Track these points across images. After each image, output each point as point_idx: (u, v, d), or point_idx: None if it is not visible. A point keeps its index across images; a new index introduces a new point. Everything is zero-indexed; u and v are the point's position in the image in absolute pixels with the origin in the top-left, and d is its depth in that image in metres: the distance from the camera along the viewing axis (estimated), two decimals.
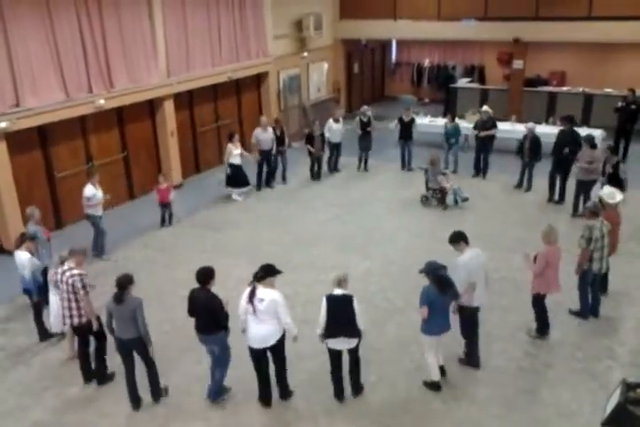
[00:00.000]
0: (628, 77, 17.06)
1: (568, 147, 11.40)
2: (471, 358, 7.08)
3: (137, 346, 6.30)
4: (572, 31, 15.94)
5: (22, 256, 7.55)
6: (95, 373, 6.92)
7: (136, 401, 6.53)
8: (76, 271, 6.61)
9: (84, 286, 6.58)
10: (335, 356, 6.39)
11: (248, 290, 6.11)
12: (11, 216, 10.10)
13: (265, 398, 6.50)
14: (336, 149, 14.06)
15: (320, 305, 6.17)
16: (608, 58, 18.36)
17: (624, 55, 18.07)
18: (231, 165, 12.26)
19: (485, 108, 13.53)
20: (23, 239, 7.71)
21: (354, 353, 6.42)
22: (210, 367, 6.50)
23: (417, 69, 22.14)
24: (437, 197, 11.96)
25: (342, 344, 6.30)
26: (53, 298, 7.17)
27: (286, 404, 6.55)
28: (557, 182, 11.83)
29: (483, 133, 13.11)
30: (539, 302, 7.50)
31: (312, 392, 6.70)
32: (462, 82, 19.77)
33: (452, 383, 6.80)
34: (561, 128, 11.99)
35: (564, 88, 18.21)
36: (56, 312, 7.14)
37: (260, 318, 6.04)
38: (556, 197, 11.89)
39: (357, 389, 6.63)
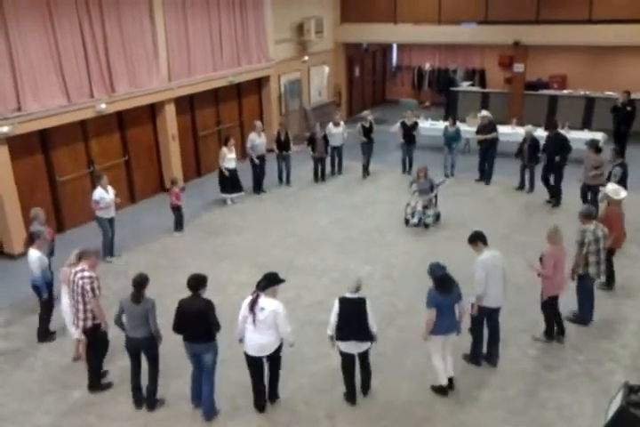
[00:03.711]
0: (628, 80, 17.06)
1: (555, 150, 11.62)
2: (474, 356, 7.15)
3: (146, 346, 6.35)
4: (573, 34, 15.95)
5: (32, 254, 7.68)
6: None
7: (139, 401, 6.57)
8: (86, 273, 6.59)
9: (92, 289, 6.56)
10: (347, 359, 6.40)
11: (249, 299, 6.10)
12: (12, 220, 10.12)
13: (260, 405, 6.48)
14: (337, 152, 14.10)
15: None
16: (609, 61, 18.38)
17: (625, 58, 18.09)
18: (226, 170, 12.23)
19: (484, 112, 13.51)
20: (33, 238, 7.81)
21: (363, 357, 6.46)
22: (193, 384, 6.44)
23: (418, 73, 22.18)
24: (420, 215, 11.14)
25: (353, 348, 6.31)
26: (66, 299, 7.12)
27: (286, 407, 6.54)
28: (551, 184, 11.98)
29: (480, 137, 13.11)
30: (551, 306, 7.45)
31: (313, 395, 6.70)
32: (463, 85, 19.79)
33: (454, 386, 6.78)
34: (547, 134, 12.13)
35: (565, 91, 18.23)
36: (67, 312, 7.12)
37: (258, 327, 6.04)
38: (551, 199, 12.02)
39: (366, 389, 6.68)
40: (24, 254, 10.15)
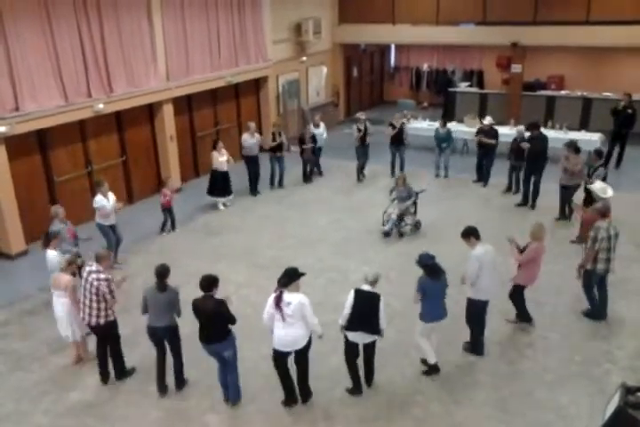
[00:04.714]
0: (626, 81, 17.11)
1: (539, 151, 11.59)
2: (475, 347, 7.27)
3: (168, 334, 6.53)
4: (571, 35, 15.99)
5: (49, 254, 7.73)
6: (116, 370, 7.05)
7: (163, 388, 6.75)
8: (102, 276, 6.69)
9: (111, 291, 6.70)
10: (351, 348, 6.53)
11: (274, 296, 6.14)
12: (10, 220, 10.10)
13: (291, 400, 6.53)
14: (319, 152, 14.24)
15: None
16: (606, 62, 18.43)
17: (622, 59, 18.15)
18: (216, 173, 12.24)
19: (489, 119, 13.40)
20: (49, 238, 7.85)
21: (369, 348, 6.57)
22: (220, 377, 6.52)
23: (416, 74, 22.21)
24: (398, 223, 10.86)
25: (360, 338, 6.44)
26: (59, 304, 7.11)
27: (285, 408, 6.54)
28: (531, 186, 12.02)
29: (483, 140, 13.08)
30: (519, 293, 7.69)
31: (312, 396, 6.68)
32: (461, 86, 19.82)
33: (451, 386, 6.81)
34: (530, 135, 11.94)
35: (563, 92, 18.26)
36: (62, 317, 7.13)
37: (288, 322, 6.09)
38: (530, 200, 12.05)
39: (370, 379, 6.79)
40: (22, 254, 10.24)
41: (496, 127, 13.27)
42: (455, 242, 10.12)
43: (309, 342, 6.30)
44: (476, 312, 7.16)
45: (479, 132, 13.30)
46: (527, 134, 12.06)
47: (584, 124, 16.64)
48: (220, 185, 12.35)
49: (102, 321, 6.76)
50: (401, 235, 10.87)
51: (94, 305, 6.69)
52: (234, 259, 10.10)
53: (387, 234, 10.81)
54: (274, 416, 6.45)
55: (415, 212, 11.12)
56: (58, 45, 10.30)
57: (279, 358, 6.30)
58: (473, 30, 17.44)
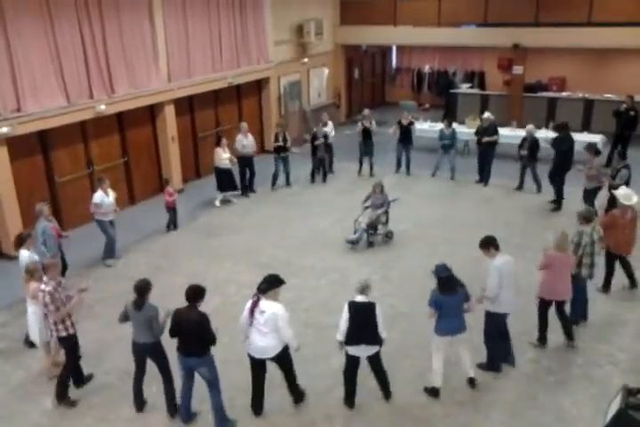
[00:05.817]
0: (628, 83, 17.10)
1: (565, 152, 11.55)
2: (491, 364, 7.06)
3: (152, 352, 6.29)
4: (572, 37, 15.98)
5: (24, 254, 7.63)
6: (57, 382, 6.78)
7: (140, 404, 6.57)
8: (42, 287, 6.43)
9: (46, 305, 6.37)
10: (352, 362, 6.34)
11: (250, 302, 6.07)
12: (11, 221, 10.10)
13: (256, 407, 6.43)
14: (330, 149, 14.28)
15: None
16: (608, 63, 18.42)
17: (624, 61, 18.13)
18: (219, 169, 12.33)
19: (487, 114, 13.50)
20: (23, 239, 7.71)
21: (374, 360, 6.37)
22: (181, 395, 6.31)
23: (417, 75, 22.21)
24: (370, 232, 10.46)
25: (362, 351, 6.27)
26: (30, 310, 7.06)
27: (284, 409, 6.52)
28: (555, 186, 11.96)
29: (485, 139, 13.10)
30: (541, 308, 7.46)
31: (312, 397, 6.68)
32: (463, 87, 19.83)
33: (454, 388, 6.79)
34: (557, 136, 12.01)
35: (564, 94, 18.26)
36: (32, 324, 7.08)
37: (260, 330, 6.01)
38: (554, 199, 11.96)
39: (387, 392, 6.61)
40: None
41: (495, 122, 13.31)
42: (456, 243, 10.15)
43: (285, 350, 6.16)
44: (497, 327, 6.93)
45: (478, 132, 13.30)
46: (552, 135, 12.07)
47: (586, 126, 16.63)
48: (226, 181, 12.47)
49: (63, 334, 6.52)
50: (371, 244, 10.50)
51: (50, 320, 6.50)
52: (236, 259, 10.09)
53: (353, 243, 10.33)
54: (274, 418, 6.43)
55: (387, 221, 10.75)
56: (60, 46, 10.31)
57: (253, 364, 6.23)
58: (474, 32, 17.45)
